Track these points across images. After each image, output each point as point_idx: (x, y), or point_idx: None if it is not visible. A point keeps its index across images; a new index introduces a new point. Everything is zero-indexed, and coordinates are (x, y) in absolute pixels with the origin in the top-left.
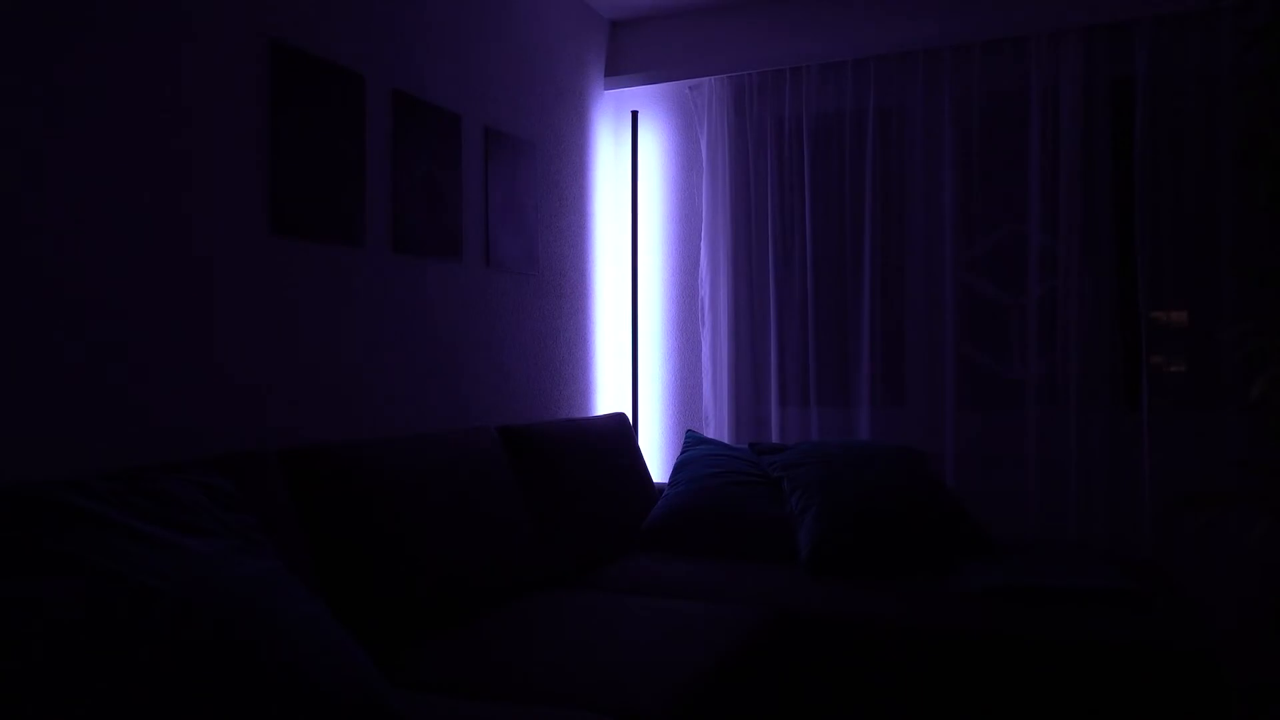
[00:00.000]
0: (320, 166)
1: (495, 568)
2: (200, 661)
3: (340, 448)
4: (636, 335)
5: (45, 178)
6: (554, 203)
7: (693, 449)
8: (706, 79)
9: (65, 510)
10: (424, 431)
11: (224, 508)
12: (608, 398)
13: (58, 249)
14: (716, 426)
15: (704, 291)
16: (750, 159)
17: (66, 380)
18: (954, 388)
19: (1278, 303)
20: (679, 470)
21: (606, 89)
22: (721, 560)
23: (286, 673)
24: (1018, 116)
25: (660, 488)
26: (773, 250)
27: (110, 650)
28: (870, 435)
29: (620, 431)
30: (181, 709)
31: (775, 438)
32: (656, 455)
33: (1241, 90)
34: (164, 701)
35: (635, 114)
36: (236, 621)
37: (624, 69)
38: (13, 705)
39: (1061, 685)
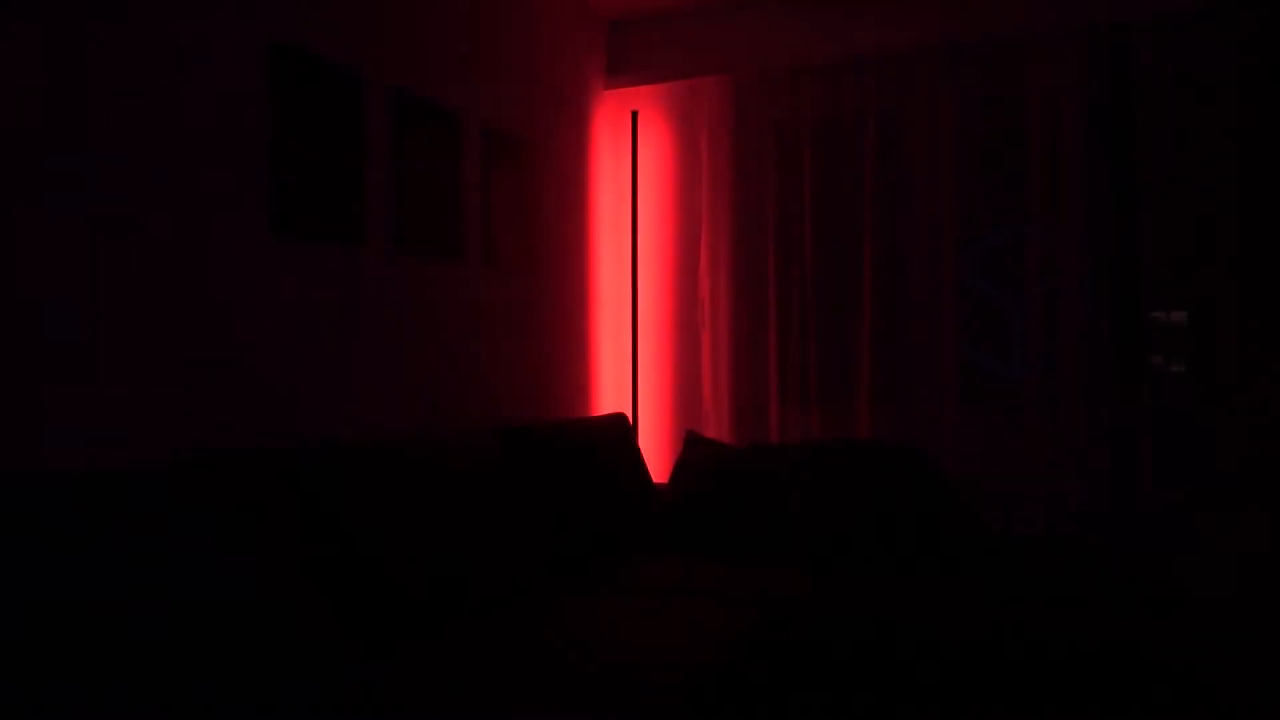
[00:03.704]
0: (320, 166)
1: (493, 569)
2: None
3: (339, 448)
4: (636, 335)
5: (41, 177)
6: (554, 203)
7: (693, 449)
8: (706, 79)
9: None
10: (424, 431)
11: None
12: (608, 398)
13: (52, 248)
14: (716, 426)
15: (704, 291)
16: (750, 159)
17: (58, 376)
18: (954, 388)
19: (1278, 303)
20: (679, 470)
21: (606, 89)
22: (722, 560)
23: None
24: (1018, 116)
25: (660, 488)
26: (773, 250)
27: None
28: (870, 435)
29: (620, 431)
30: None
31: (775, 438)
32: (656, 455)
33: (1242, 89)
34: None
35: (635, 114)
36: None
37: (624, 69)
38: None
39: (1060, 685)
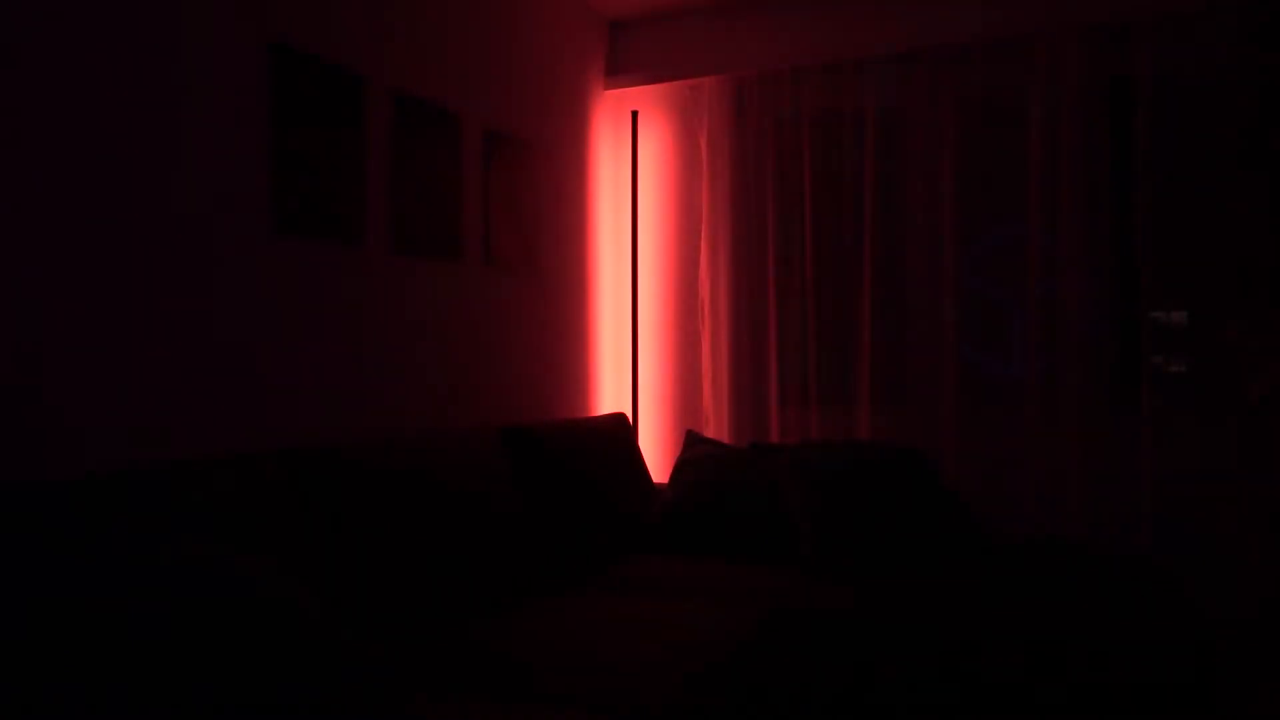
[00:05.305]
0: (321, 166)
1: (496, 568)
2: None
3: (341, 449)
4: (636, 335)
5: (41, 176)
6: (554, 203)
7: (693, 449)
8: (706, 79)
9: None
10: (425, 431)
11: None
12: (608, 398)
13: (52, 248)
14: (716, 426)
15: (704, 291)
16: (750, 159)
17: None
18: (954, 388)
19: (1277, 303)
20: (679, 470)
21: (606, 89)
22: (722, 560)
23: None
24: (1018, 116)
25: (660, 488)
26: (773, 250)
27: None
28: (870, 435)
29: (620, 431)
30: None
31: (775, 438)
32: (656, 455)
33: (1242, 89)
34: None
35: (635, 114)
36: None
37: (624, 69)
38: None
39: (1060, 688)
